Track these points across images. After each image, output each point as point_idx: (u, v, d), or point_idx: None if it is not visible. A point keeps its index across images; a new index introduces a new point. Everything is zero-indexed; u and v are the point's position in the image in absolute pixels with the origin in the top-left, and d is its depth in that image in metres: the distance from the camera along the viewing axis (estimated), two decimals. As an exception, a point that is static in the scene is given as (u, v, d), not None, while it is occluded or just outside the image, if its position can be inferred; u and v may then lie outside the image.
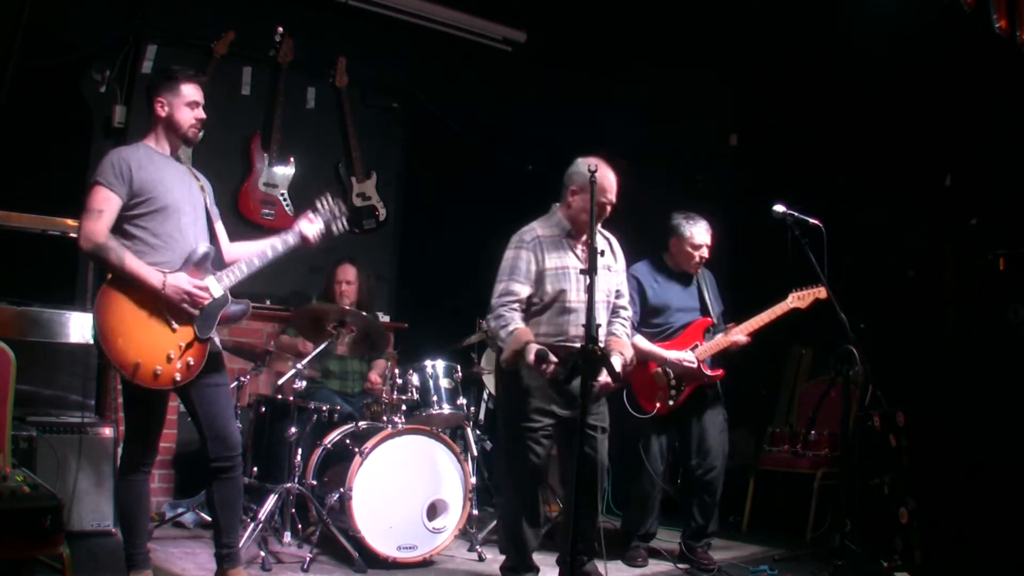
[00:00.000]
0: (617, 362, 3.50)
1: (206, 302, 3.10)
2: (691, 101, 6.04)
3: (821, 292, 4.13)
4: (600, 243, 3.65)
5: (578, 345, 3.43)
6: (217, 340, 3.27)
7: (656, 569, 4.28)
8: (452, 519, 4.13)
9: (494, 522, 4.71)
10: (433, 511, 4.10)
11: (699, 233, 4.31)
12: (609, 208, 3.61)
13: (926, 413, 4.88)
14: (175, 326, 3.05)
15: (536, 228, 3.67)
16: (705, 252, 4.34)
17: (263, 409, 4.45)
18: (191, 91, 3.20)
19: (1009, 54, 4.00)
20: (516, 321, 3.51)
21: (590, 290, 3.14)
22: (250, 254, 3.29)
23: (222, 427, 3.21)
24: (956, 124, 5.19)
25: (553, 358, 3.37)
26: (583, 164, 3.55)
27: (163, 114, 3.18)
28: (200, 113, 3.23)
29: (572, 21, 5.85)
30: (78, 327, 4.10)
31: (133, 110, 5.03)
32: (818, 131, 5.73)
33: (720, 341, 4.23)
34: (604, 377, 3.32)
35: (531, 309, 3.59)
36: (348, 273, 5.01)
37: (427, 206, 6.15)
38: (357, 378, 5.05)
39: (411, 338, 5.84)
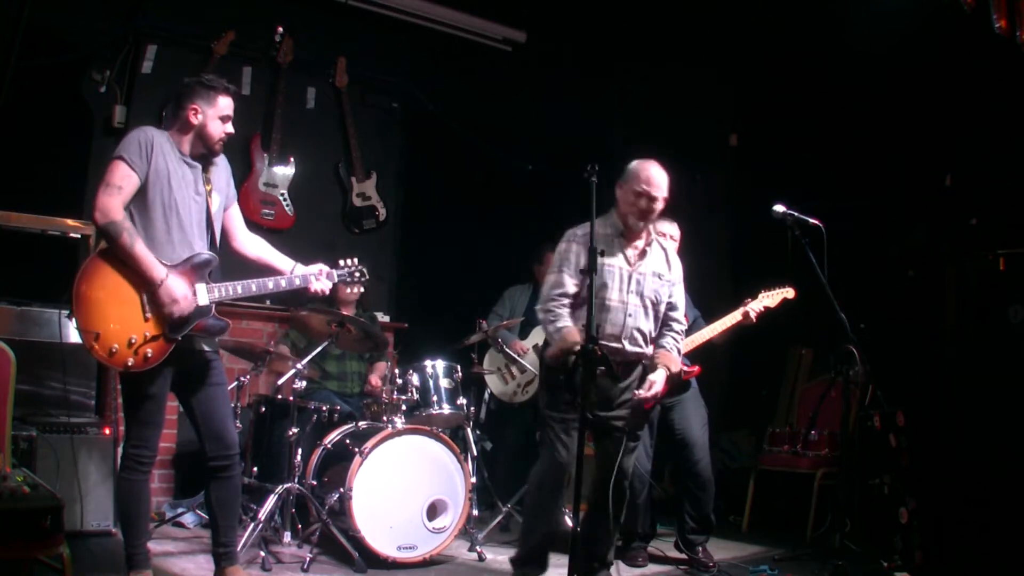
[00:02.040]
0: (661, 376, 3.50)
1: (188, 312, 3.09)
2: (691, 101, 6.05)
3: (789, 292, 4.29)
4: (655, 249, 3.67)
5: (614, 345, 3.47)
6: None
7: (656, 569, 4.28)
8: (452, 519, 4.13)
9: (495, 522, 4.71)
10: (433, 511, 4.10)
11: (666, 231, 4.34)
12: (654, 203, 3.54)
13: (926, 413, 4.88)
14: (148, 315, 3.04)
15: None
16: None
17: (263, 409, 4.45)
18: (226, 104, 3.22)
19: (1009, 54, 4.00)
20: (565, 319, 3.48)
21: (590, 289, 3.15)
22: (256, 277, 3.30)
23: (219, 426, 3.22)
24: (956, 124, 5.19)
25: (616, 331, 3.45)
26: (633, 163, 3.60)
27: (195, 122, 3.18)
28: (230, 128, 3.25)
29: (572, 21, 5.86)
30: (77, 328, 4.11)
31: (133, 110, 5.03)
32: (818, 131, 5.73)
33: (702, 333, 4.30)
34: (650, 390, 3.43)
35: (575, 303, 3.55)
36: None
37: (427, 206, 6.15)
38: (356, 378, 5.04)
39: (411, 338, 5.84)
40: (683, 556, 4.33)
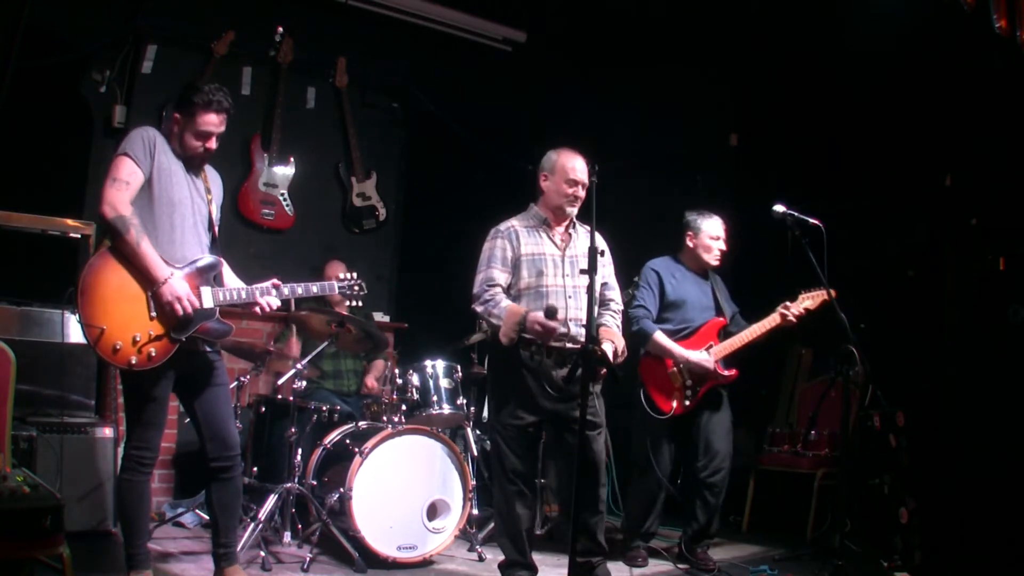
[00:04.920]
0: (608, 350, 3.51)
1: (191, 312, 3.09)
2: (691, 101, 6.04)
3: (830, 293, 4.06)
4: (580, 234, 3.74)
5: (561, 328, 3.51)
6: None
7: (656, 569, 4.28)
8: (452, 519, 4.13)
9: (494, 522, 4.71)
10: (433, 511, 4.11)
11: (715, 226, 4.37)
12: (581, 190, 3.66)
13: (926, 413, 4.88)
14: (154, 314, 3.05)
15: (512, 221, 3.78)
16: (723, 244, 4.39)
17: (263, 409, 4.45)
18: (206, 122, 3.17)
19: (1009, 54, 3.99)
20: (504, 300, 3.58)
21: (590, 291, 3.16)
22: (239, 286, 3.32)
23: (220, 427, 3.23)
24: (956, 124, 5.18)
25: (561, 315, 3.44)
26: (551, 152, 3.74)
27: (175, 131, 3.20)
28: (211, 144, 3.22)
29: (572, 21, 5.85)
30: (78, 327, 4.09)
31: (133, 110, 5.04)
32: (818, 131, 5.72)
33: (742, 336, 4.20)
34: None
35: (510, 294, 3.65)
36: (336, 270, 5.01)
37: (427, 206, 6.15)
38: (352, 376, 5.04)
39: (411, 338, 5.84)
40: (683, 556, 4.33)
